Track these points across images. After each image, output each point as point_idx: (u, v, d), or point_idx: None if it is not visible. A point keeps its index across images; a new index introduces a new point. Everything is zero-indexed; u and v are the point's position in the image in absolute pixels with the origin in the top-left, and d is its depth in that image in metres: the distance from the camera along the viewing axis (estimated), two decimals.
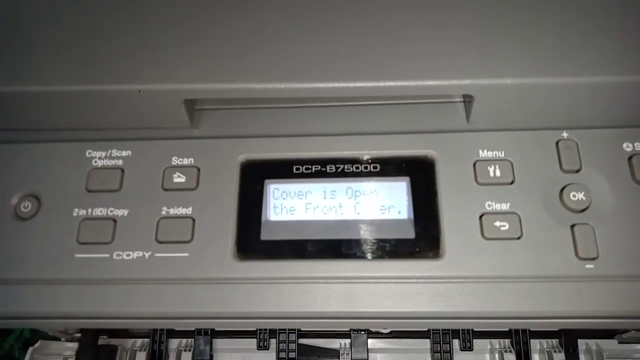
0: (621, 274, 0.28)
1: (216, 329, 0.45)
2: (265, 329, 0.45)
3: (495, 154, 0.31)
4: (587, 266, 0.28)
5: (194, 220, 0.30)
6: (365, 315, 0.29)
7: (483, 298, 0.28)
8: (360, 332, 0.44)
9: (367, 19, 0.31)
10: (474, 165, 0.31)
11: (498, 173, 0.30)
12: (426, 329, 0.44)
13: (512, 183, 0.30)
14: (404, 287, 0.29)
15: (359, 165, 0.32)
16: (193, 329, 0.45)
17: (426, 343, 0.44)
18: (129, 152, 0.32)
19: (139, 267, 0.30)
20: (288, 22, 0.31)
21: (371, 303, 0.29)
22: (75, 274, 0.30)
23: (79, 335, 0.45)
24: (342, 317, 0.29)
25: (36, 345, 0.42)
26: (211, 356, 0.45)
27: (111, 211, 0.31)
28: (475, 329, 0.44)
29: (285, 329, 0.45)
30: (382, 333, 0.46)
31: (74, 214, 0.31)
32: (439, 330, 0.44)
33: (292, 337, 0.45)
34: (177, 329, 0.46)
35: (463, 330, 0.44)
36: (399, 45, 0.30)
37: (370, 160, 0.32)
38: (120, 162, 0.32)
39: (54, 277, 0.30)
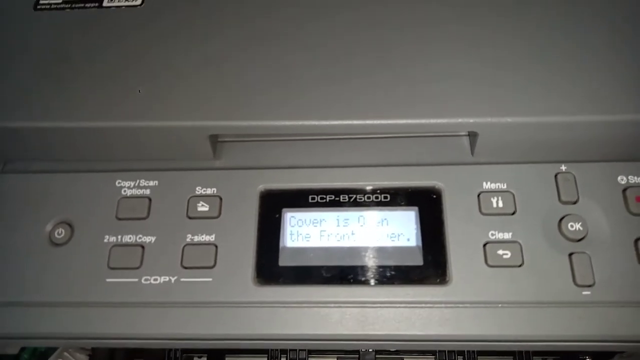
0: (616, 300, 0.30)
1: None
2: (277, 348, 0.47)
3: (498, 186, 0.33)
4: (584, 293, 0.30)
5: (216, 247, 0.32)
6: (377, 338, 0.31)
7: (488, 322, 0.30)
8: (368, 350, 0.46)
9: (380, 60, 0.33)
10: (478, 196, 0.33)
11: (501, 204, 0.32)
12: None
13: (513, 213, 0.32)
14: (413, 312, 0.31)
15: (371, 195, 0.34)
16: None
17: None
18: (156, 182, 0.34)
19: (165, 291, 0.31)
20: (305, 62, 0.34)
21: (382, 326, 0.30)
22: (106, 298, 0.32)
23: None
24: (355, 339, 0.31)
25: None
26: None
27: (139, 238, 0.33)
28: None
29: (295, 348, 0.47)
30: (389, 351, 0.48)
31: (105, 240, 0.33)
32: (445, 350, 0.45)
33: (302, 354, 0.47)
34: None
35: (468, 350, 0.45)
36: (410, 85, 0.32)
37: (381, 191, 0.34)
38: (147, 192, 0.34)
39: (86, 300, 0.32)
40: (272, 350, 0.47)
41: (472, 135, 0.34)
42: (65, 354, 0.44)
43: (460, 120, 0.31)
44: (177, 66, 0.34)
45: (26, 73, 0.35)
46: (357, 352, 0.46)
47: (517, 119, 0.31)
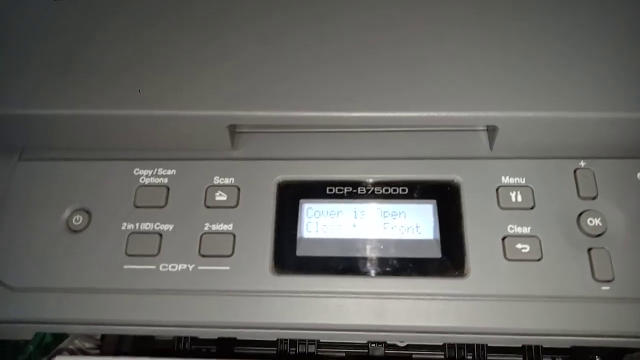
0: (635, 297, 0.30)
1: (238, 338, 0.47)
2: (286, 340, 0.47)
3: (517, 181, 0.33)
4: (603, 288, 0.30)
5: (234, 235, 0.32)
6: (394, 329, 0.31)
7: (505, 316, 0.30)
8: (377, 344, 0.46)
9: (400, 52, 0.33)
10: (497, 190, 0.33)
11: (519, 198, 0.32)
12: (441, 343, 0.46)
13: (532, 208, 0.32)
14: (430, 304, 0.31)
15: (388, 188, 0.34)
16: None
17: (440, 356, 0.46)
18: (174, 171, 0.34)
19: (183, 279, 0.32)
20: (325, 54, 0.34)
21: (400, 318, 0.30)
22: (124, 285, 0.32)
23: None
24: (372, 330, 0.31)
25: None
26: None
27: (157, 226, 0.33)
28: (489, 344, 0.46)
29: (305, 340, 0.47)
30: (398, 346, 0.48)
31: (123, 227, 0.33)
32: (454, 344, 0.45)
33: (312, 348, 0.47)
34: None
35: (477, 345, 0.45)
36: (430, 78, 0.32)
37: (398, 184, 0.34)
38: (165, 181, 0.34)
39: (104, 287, 0.32)
40: (281, 342, 0.47)
41: (491, 130, 0.34)
42: (76, 341, 0.44)
43: (480, 114, 0.31)
44: (197, 55, 0.34)
45: (45, 60, 0.35)
46: (366, 346, 0.46)
47: (537, 114, 0.31)
